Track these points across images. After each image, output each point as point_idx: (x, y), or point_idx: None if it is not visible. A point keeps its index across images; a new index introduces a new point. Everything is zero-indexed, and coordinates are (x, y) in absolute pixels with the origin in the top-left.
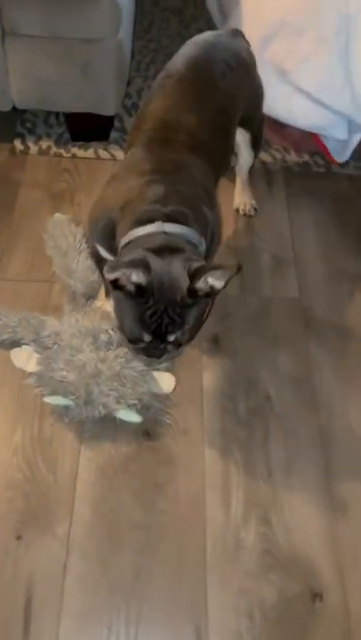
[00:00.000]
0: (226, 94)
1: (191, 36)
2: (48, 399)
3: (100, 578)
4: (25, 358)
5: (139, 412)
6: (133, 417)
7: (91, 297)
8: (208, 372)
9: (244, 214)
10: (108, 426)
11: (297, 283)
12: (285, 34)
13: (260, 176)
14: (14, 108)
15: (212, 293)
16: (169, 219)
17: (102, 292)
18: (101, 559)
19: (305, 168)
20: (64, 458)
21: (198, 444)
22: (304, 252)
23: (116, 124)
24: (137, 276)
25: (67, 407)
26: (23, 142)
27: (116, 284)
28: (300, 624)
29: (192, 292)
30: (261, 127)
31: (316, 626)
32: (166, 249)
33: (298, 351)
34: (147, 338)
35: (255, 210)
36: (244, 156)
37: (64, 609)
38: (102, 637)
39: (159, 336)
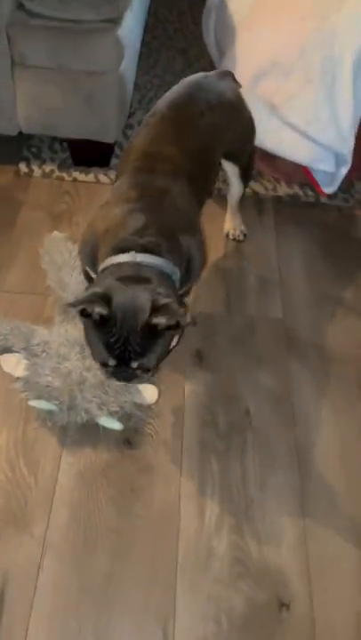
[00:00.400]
0: (206, 131)
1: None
2: (33, 403)
3: (72, 580)
4: (14, 363)
5: (120, 419)
6: (115, 424)
7: None
8: (190, 386)
9: (234, 239)
10: (90, 433)
11: (281, 304)
12: (275, 73)
13: (252, 204)
14: (20, 133)
15: (176, 327)
16: (144, 249)
17: None
18: (75, 562)
19: (295, 198)
20: (45, 461)
21: (177, 454)
22: (290, 277)
23: (117, 151)
24: (99, 308)
25: (50, 412)
26: (28, 165)
27: (82, 313)
28: (266, 632)
29: (151, 326)
30: (251, 160)
31: (282, 634)
32: (135, 279)
33: (279, 370)
34: (112, 362)
35: (244, 235)
36: (234, 186)
37: (35, 607)
38: (71, 638)
39: (124, 361)
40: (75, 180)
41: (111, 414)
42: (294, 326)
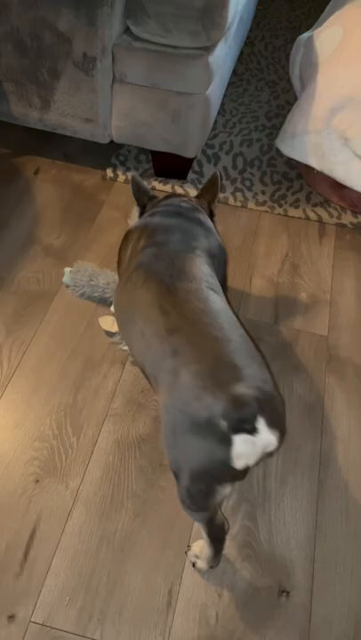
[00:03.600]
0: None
1: (278, 107)
2: (126, 347)
3: (95, 529)
4: (110, 322)
5: None
6: None
7: None
8: None
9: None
10: (132, 407)
11: (328, 323)
12: (351, 107)
13: (315, 228)
14: (112, 142)
15: None
16: None
17: None
18: (101, 515)
19: (358, 227)
20: (88, 426)
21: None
22: (341, 298)
23: (195, 167)
24: None
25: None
26: (114, 171)
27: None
28: (264, 613)
29: None
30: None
31: (278, 618)
32: None
33: (315, 381)
34: None
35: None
36: None
37: (60, 547)
38: (87, 575)
39: None
40: (153, 188)
41: None
42: (337, 344)
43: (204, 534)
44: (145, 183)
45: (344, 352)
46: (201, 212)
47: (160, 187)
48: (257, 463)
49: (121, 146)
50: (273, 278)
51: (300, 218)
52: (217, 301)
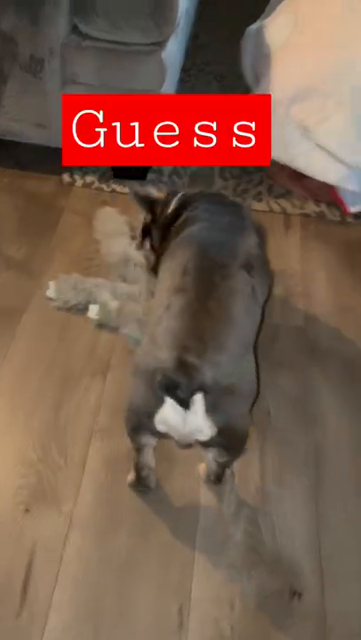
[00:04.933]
0: None
1: None
2: (126, 330)
3: (95, 553)
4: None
5: None
6: None
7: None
8: None
9: None
10: (118, 420)
11: (304, 314)
12: (309, 98)
13: (280, 220)
14: None
15: None
16: None
17: None
18: (99, 537)
19: (321, 216)
20: (75, 445)
21: (198, 447)
22: (313, 288)
23: (154, 166)
24: None
25: (139, 340)
26: (71, 176)
27: None
28: (278, 618)
29: None
30: None
31: (293, 621)
32: None
33: (300, 374)
34: None
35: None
36: None
37: (60, 575)
38: (91, 605)
39: None
40: (113, 191)
41: None
42: (317, 335)
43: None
44: (143, 190)
45: (325, 342)
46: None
47: (120, 189)
48: (187, 444)
49: None
50: None
51: (264, 211)
52: (240, 284)
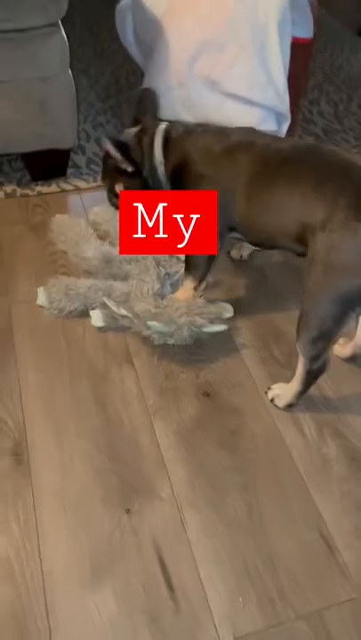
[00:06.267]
0: None
1: (110, 83)
2: (150, 323)
3: (217, 523)
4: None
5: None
6: (220, 327)
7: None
8: (239, 339)
9: None
10: (167, 396)
11: None
12: (209, 50)
13: None
14: None
15: None
16: None
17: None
18: (212, 506)
19: None
20: (141, 434)
21: (254, 391)
22: None
23: (73, 158)
24: None
25: (162, 332)
26: None
27: None
28: None
29: None
30: None
31: None
32: None
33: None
34: None
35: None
36: None
37: (197, 558)
38: (240, 571)
39: None
40: (40, 193)
41: (212, 322)
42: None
43: (301, 368)
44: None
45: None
46: None
47: (45, 189)
48: None
49: None
50: None
51: None
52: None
